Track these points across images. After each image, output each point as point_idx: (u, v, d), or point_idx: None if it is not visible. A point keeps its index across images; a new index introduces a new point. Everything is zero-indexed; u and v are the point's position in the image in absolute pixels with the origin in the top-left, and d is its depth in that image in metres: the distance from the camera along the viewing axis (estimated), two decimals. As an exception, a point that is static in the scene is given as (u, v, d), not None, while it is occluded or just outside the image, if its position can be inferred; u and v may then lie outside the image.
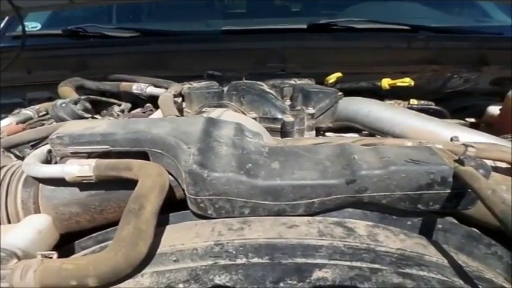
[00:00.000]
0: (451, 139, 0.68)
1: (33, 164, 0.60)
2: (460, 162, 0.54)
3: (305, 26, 1.40)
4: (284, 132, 0.91)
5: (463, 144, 0.66)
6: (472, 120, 1.13)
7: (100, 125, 0.64)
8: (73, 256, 0.56)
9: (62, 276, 0.42)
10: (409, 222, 0.58)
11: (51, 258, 0.46)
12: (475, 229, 0.58)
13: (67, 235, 0.62)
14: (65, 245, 0.60)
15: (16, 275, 0.43)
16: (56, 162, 0.64)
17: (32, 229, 0.55)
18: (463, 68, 1.26)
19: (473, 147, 0.64)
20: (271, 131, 0.91)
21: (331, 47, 1.41)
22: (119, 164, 0.57)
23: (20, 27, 1.50)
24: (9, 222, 0.61)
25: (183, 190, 0.59)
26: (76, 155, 0.61)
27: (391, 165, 0.53)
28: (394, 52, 1.38)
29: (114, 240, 0.45)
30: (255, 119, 0.92)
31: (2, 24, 1.63)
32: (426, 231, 0.57)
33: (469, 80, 1.22)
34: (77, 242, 0.60)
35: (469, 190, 0.52)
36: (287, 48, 1.37)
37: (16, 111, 1.08)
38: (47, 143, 0.73)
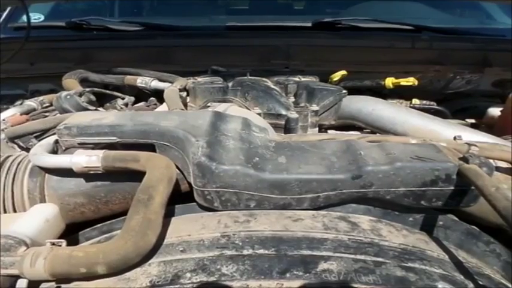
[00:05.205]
0: (454, 138, 0.69)
1: (41, 154, 0.60)
2: (465, 160, 0.55)
3: (310, 24, 1.40)
4: (288, 128, 0.91)
5: (466, 143, 0.67)
6: (473, 121, 1.14)
7: (108, 116, 0.64)
8: (81, 245, 0.56)
9: (72, 264, 0.43)
10: (411, 219, 0.59)
11: (60, 246, 0.47)
12: (474, 227, 0.59)
13: (70, 226, 0.63)
14: (67, 235, 0.60)
15: (26, 262, 0.43)
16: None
17: (39, 218, 0.55)
18: (466, 69, 1.27)
19: (476, 146, 0.65)
20: (275, 127, 0.91)
21: (336, 45, 1.41)
22: (126, 156, 0.57)
23: (22, 19, 1.50)
24: (15, 211, 0.61)
25: (188, 183, 0.59)
26: (83, 145, 0.61)
27: (397, 162, 0.54)
28: (397, 52, 1.39)
29: (123, 229, 0.46)
30: (259, 114, 0.93)
31: (4, 15, 1.62)
32: (427, 228, 0.58)
33: (471, 81, 1.23)
34: (81, 232, 0.61)
35: (472, 188, 0.54)
36: (291, 45, 1.37)
37: (18, 102, 1.09)
38: (52, 134, 0.73)
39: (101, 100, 1.12)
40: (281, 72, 1.23)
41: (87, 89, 1.04)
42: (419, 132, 0.85)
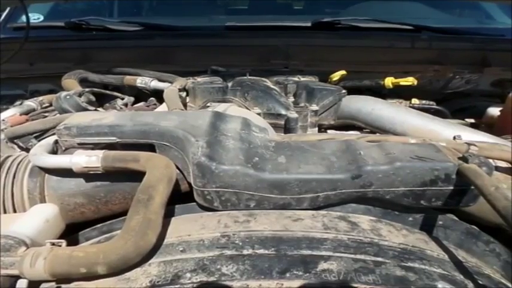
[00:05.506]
0: (454, 138, 0.69)
1: (40, 154, 0.60)
2: (464, 159, 0.55)
3: (309, 24, 1.40)
4: (288, 128, 0.91)
5: (466, 142, 0.67)
6: (472, 120, 1.14)
7: (107, 116, 0.64)
8: (81, 245, 0.56)
9: (72, 264, 0.43)
10: (410, 218, 0.59)
11: (60, 246, 0.47)
12: (474, 226, 0.59)
13: (70, 226, 0.63)
14: (67, 236, 0.60)
15: (26, 262, 0.43)
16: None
17: (39, 218, 0.55)
18: (465, 68, 1.28)
19: (475, 145, 0.65)
20: (275, 127, 0.91)
21: (335, 45, 1.42)
22: (126, 156, 0.57)
23: (21, 19, 1.50)
24: (14, 211, 0.61)
25: (188, 183, 0.59)
26: (83, 146, 0.61)
27: (397, 162, 0.54)
28: (397, 51, 1.39)
29: (123, 229, 0.46)
30: (259, 114, 0.93)
31: (4, 15, 1.62)
32: (427, 227, 0.58)
33: (470, 81, 1.23)
34: (81, 232, 0.61)
35: (471, 187, 0.54)
36: (291, 45, 1.37)
37: (18, 102, 1.09)
38: (52, 134, 0.73)
39: (101, 100, 1.11)
40: (280, 72, 1.24)
41: (87, 89, 1.04)
42: (419, 132, 0.85)
